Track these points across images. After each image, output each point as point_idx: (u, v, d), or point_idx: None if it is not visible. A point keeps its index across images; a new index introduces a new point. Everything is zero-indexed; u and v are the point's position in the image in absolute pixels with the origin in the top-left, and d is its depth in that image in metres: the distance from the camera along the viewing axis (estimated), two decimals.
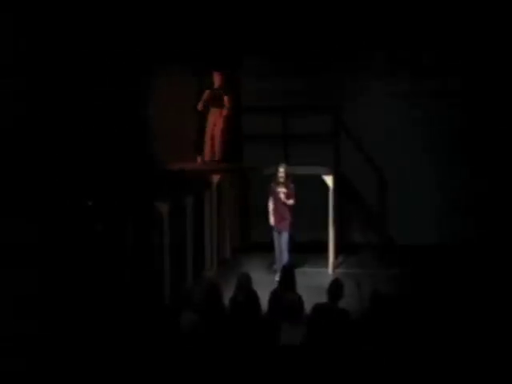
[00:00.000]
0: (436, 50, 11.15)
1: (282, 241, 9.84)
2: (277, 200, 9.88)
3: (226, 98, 9.87)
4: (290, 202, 9.79)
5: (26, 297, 6.95)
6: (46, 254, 7.46)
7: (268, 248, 10.42)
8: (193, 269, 9.45)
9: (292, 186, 9.86)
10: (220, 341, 6.14)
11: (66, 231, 7.84)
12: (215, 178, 10.50)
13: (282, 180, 9.79)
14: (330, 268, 10.38)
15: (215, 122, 9.96)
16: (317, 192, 10.43)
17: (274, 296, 6.96)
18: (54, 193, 7.78)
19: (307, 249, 9.95)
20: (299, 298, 6.84)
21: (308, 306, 6.59)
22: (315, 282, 9.46)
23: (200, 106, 9.93)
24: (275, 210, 9.91)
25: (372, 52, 11.41)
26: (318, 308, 6.38)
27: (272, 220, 9.97)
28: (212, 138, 10.00)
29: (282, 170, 9.81)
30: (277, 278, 8.75)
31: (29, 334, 6.56)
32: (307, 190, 10.18)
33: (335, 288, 6.40)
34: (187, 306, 6.60)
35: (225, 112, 9.88)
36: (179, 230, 9.20)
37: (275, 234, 9.95)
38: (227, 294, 6.95)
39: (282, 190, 9.80)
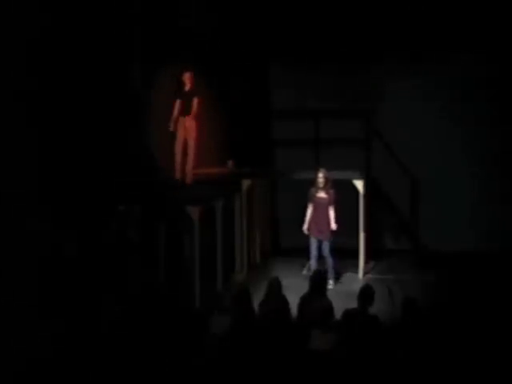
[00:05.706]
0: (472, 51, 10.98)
1: (323, 249, 9.56)
2: (316, 206, 9.65)
3: (195, 103, 9.03)
4: (330, 209, 9.56)
5: (61, 298, 7.04)
6: (82, 257, 7.55)
7: (298, 253, 10.38)
8: (223, 272, 9.46)
9: (332, 191, 9.64)
10: (249, 345, 6.13)
11: (100, 236, 7.93)
12: (245, 183, 10.50)
13: (321, 185, 9.59)
14: (360, 273, 10.30)
15: (186, 134, 9.04)
16: (348, 197, 10.36)
17: (304, 301, 6.92)
18: (88, 199, 7.85)
19: (337, 254, 9.86)
20: (329, 303, 6.81)
21: (338, 312, 6.55)
22: (345, 287, 9.44)
23: (173, 127, 9.04)
24: (315, 217, 9.64)
25: (403, 54, 11.31)
26: (348, 314, 6.34)
27: (311, 227, 9.65)
28: (183, 154, 9.07)
29: (321, 175, 9.59)
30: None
31: (64, 334, 6.65)
32: (338, 194, 10.11)
33: (366, 294, 6.35)
34: (217, 309, 6.60)
35: (194, 121, 9.04)
36: (209, 234, 9.22)
37: (312, 241, 9.64)
38: (257, 299, 6.94)
39: (321, 195, 9.61)
